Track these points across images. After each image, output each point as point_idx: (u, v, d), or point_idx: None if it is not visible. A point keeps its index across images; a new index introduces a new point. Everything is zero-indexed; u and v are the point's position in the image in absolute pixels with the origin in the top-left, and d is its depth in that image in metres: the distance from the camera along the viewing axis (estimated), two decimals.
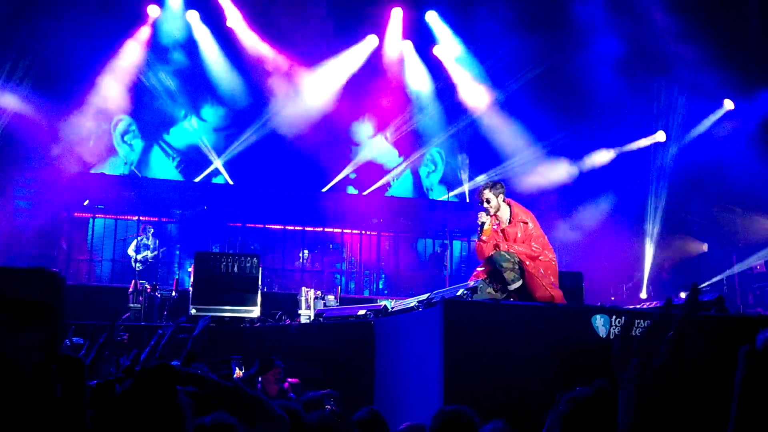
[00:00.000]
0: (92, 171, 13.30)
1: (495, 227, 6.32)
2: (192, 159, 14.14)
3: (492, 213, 6.29)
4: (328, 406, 3.11)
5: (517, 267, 5.98)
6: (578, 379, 4.35)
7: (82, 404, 1.19)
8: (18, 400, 1.06)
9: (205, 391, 2.01)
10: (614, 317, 5.44)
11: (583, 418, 2.50)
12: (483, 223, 6.27)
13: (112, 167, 13.65)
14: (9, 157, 12.27)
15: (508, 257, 5.96)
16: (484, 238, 6.28)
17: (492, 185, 6.36)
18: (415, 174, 15.57)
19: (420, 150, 15.16)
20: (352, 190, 14.96)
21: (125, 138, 13.81)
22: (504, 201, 6.34)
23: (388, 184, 15.19)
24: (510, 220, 6.27)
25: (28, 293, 1.12)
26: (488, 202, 6.27)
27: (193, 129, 14.17)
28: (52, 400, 1.08)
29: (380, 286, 14.17)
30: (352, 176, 14.91)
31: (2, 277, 1.13)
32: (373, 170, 15.02)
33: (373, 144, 15.12)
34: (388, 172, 15.13)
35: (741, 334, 5.78)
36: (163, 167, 14.14)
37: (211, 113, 14.51)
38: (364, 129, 15.22)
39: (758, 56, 13.04)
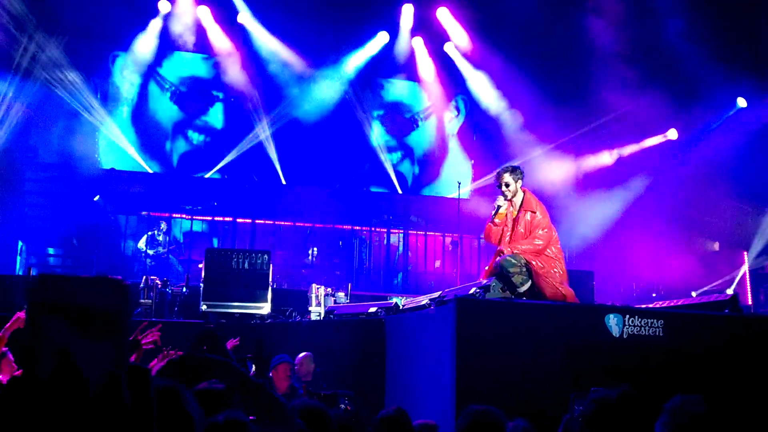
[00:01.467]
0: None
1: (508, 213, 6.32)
2: (190, 92, 14.15)
3: (509, 198, 6.27)
4: (342, 405, 3.09)
5: (524, 269, 5.95)
6: (591, 379, 4.34)
7: (151, 415, 1.19)
8: (89, 411, 1.06)
9: (231, 384, 2.01)
10: (627, 316, 5.41)
11: (606, 420, 2.48)
12: (499, 207, 6.24)
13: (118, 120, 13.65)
14: (20, 153, 12.33)
15: (514, 261, 5.93)
16: (497, 221, 6.27)
17: (513, 169, 6.33)
18: (440, 121, 15.56)
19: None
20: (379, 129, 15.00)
21: (124, 73, 13.79)
22: (521, 188, 6.33)
23: (416, 124, 15.36)
24: (520, 207, 6.26)
25: (97, 302, 1.12)
26: (507, 186, 6.25)
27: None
28: (122, 411, 1.09)
29: (392, 283, 14.15)
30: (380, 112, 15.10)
31: (71, 287, 1.13)
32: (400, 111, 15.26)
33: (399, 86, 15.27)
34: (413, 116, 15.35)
35: (755, 334, 5.73)
36: (160, 103, 14.14)
37: (219, 111, 14.54)
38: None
39: None
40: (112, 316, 1.12)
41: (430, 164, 15.63)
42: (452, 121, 15.63)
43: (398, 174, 15.20)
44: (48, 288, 1.12)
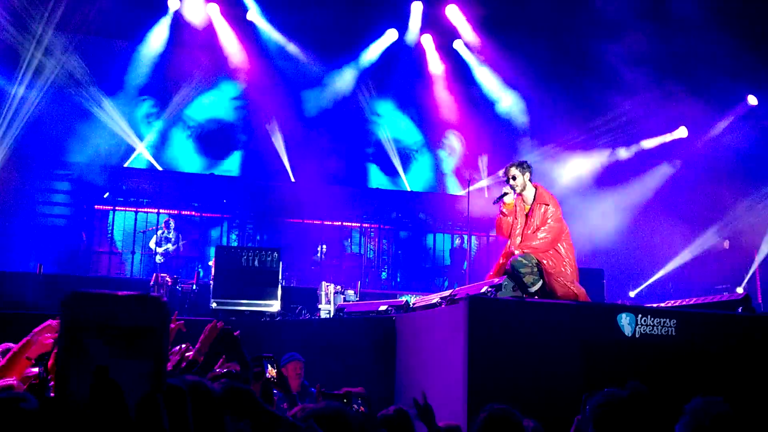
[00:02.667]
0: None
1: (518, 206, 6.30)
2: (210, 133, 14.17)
3: (518, 191, 6.25)
4: (356, 406, 3.07)
5: (535, 269, 5.93)
6: (603, 379, 4.31)
7: None
8: (127, 430, 1.04)
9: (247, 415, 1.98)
10: (640, 316, 5.38)
11: (618, 418, 2.47)
12: (505, 194, 6.23)
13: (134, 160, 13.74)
14: (30, 151, 12.38)
15: (525, 262, 5.91)
16: (505, 211, 6.26)
17: (519, 163, 6.35)
18: (435, 157, 15.54)
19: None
20: (375, 174, 14.96)
21: (149, 119, 13.86)
22: (531, 182, 6.31)
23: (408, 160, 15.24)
24: (534, 201, 6.24)
25: (134, 321, 1.10)
26: (514, 179, 6.25)
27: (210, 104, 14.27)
28: (159, 431, 1.06)
29: (399, 281, 14.14)
30: (370, 150, 14.95)
31: (110, 304, 1.11)
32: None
33: (394, 122, 15.17)
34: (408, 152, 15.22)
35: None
36: (181, 146, 14.19)
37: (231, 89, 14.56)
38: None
39: None
40: (150, 335, 1.09)
41: (440, 162, 15.61)
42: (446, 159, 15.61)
43: (406, 171, 15.19)
44: (83, 306, 1.09)
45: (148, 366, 1.08)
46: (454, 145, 15.52)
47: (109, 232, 13.13)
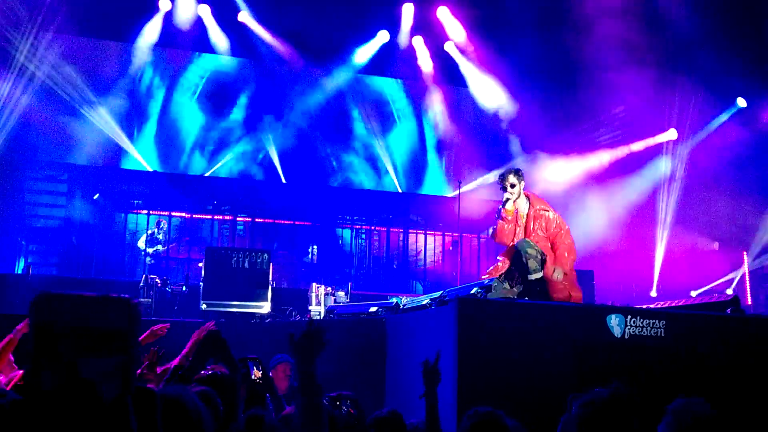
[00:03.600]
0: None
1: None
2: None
3: (514, 199, 6.25)
4: (345, 408, 3.06)
5: (539, 258, 5.95)
6: (593, 380, 4.32)
7: None
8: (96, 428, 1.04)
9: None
10: (629, 317, 5.39)
11: (599, 419, 2.47)
12: (507, 200, 6.19)
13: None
14: (21, 152, 12.31)
15: (534, 247, 5.95)
16: (509, 217, 6.23)
17: (516, 171, 6.32)
18: (426, 159, 15.52)
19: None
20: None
21: (141, 120, 13.83)
22: (523, 191, 6.32)
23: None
24: (528, 210, 6.24)
25: (103, 323, 1.10)
26: (512, 186, 6.23)
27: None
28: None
29: (389, 282, 14.13)
30: (361, 152, 14.94)
31: (79, 305, 1.11)
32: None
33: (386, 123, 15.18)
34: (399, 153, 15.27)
35: (757, 334, 5.72)
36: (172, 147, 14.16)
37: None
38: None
39: None
40: (120, 337, 1.10)
41: (429, 164, 15.62)
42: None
43: (398, 173, 15.19)
44: (53, 307, 1.10)
45: (117, 363, 1.08)
46: (445, 146, 15.53)
47: (100, 233, 13.06)
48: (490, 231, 6.64)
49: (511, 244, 6.19)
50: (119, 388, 1.07)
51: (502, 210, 6.27)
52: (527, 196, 6.30)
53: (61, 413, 1.03)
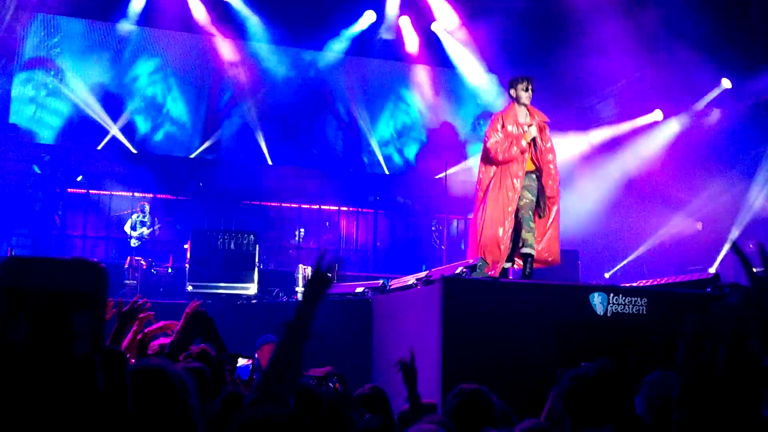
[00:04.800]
0: None
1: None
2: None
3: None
4: (331, 384, 3.10)
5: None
6: (576, 357, 4.38)
7: (126, 399, 1.18)
8: (61, 391, 1.05)
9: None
10: (612, 295, 5.46)
11: (585, 395, 2.52)
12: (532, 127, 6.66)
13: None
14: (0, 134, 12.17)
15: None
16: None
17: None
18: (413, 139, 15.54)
19: None
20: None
21: (124, 101, 13.66)
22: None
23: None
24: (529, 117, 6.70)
25: (74, 284, 1.11)
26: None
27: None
28: (94, 393, 1.07)
29: (377, 263, 14.17)
30: (348, 134, 14.90)
31: (48, 268, 1.12)
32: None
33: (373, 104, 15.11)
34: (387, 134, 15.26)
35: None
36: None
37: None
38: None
39: (760, 35, 12.94)
40: (89, 299, 1.11)
41: (418, 144, 15.60)
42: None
43: (385, 155, 15.17)
44: (22, 270, 1.10)
45: (86, 320, 1.09)
46: (432, 127, 15.50)
47: (84, 215, 12.97)
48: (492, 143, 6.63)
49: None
50: (87, 347, 1.08)
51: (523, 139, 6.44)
52: (525, 106, 6.49)
53: (28, 368, 1.04)
